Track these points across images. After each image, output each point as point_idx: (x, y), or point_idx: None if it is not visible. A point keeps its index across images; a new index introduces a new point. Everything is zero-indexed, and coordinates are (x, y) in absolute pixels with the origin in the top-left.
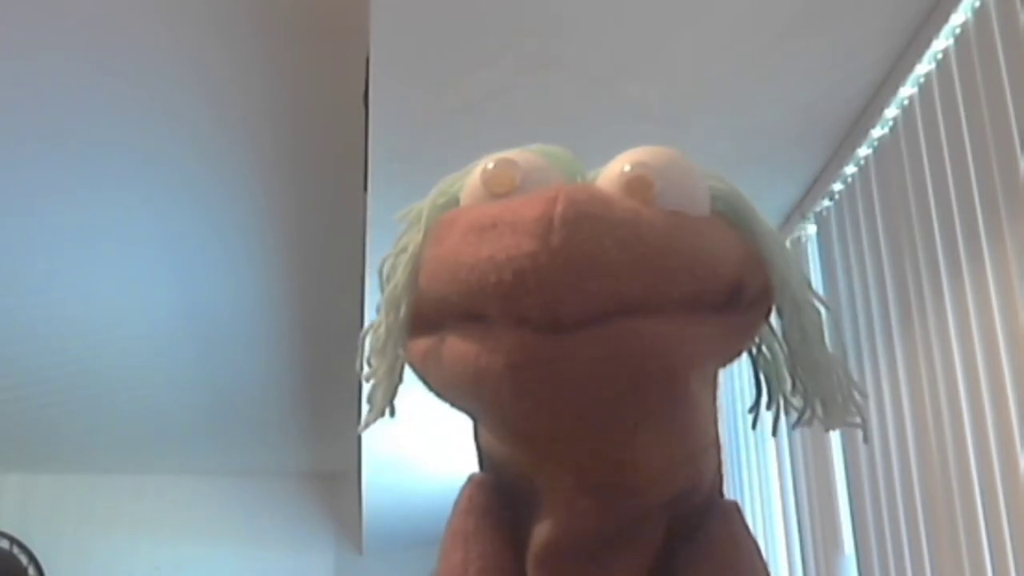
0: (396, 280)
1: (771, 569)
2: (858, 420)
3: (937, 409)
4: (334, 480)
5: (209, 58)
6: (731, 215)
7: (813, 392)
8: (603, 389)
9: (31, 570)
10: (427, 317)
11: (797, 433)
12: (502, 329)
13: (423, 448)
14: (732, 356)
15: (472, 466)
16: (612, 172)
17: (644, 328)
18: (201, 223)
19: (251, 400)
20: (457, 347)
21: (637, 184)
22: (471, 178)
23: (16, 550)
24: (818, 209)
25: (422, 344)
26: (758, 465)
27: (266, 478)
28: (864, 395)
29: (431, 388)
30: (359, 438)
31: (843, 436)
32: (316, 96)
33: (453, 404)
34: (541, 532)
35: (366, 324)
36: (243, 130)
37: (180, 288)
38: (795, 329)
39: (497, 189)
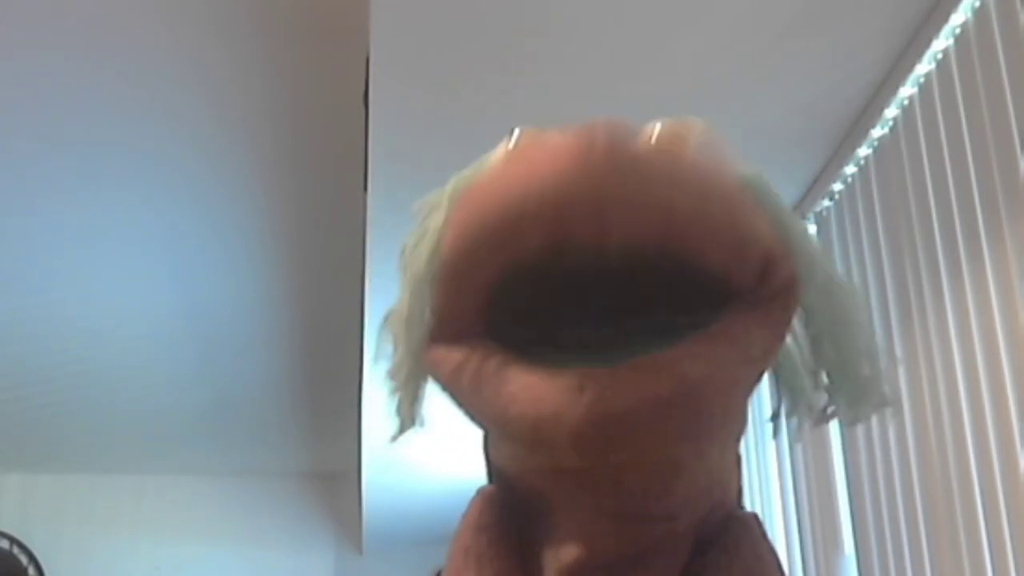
0: (418, 256)
1: None
2: (890, 402)
3: (937, 409)
4: (334, 480)
5: (209, 58)
6: (753, 191)
7: (838, 383)
8: (660, 436)
9: (31, 570)
10: (453, 315)
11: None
12: (562, 378)
13: (423, 448)
14: (776, 353)
15: (472, 468)
16: (643, 132)
17: (710, 368)
18: (201, 223)
19: (251, 400)
20: (507, 389)
21: (672, 135)
22: (494, 154)
23: (16, 550)
24: (818, 209)
25: (452, 357)
26: (758, 465)
27: (266, 478)
28: (894, 385)
29: (460, 407)
30: (359, 438)
31: (843, 436)
32: (316, 96)
33: (481, 427)
34: (562, 553)
35: (367, 324)
36: (243, 130)
37: (180, 288)
38: (822, 315)
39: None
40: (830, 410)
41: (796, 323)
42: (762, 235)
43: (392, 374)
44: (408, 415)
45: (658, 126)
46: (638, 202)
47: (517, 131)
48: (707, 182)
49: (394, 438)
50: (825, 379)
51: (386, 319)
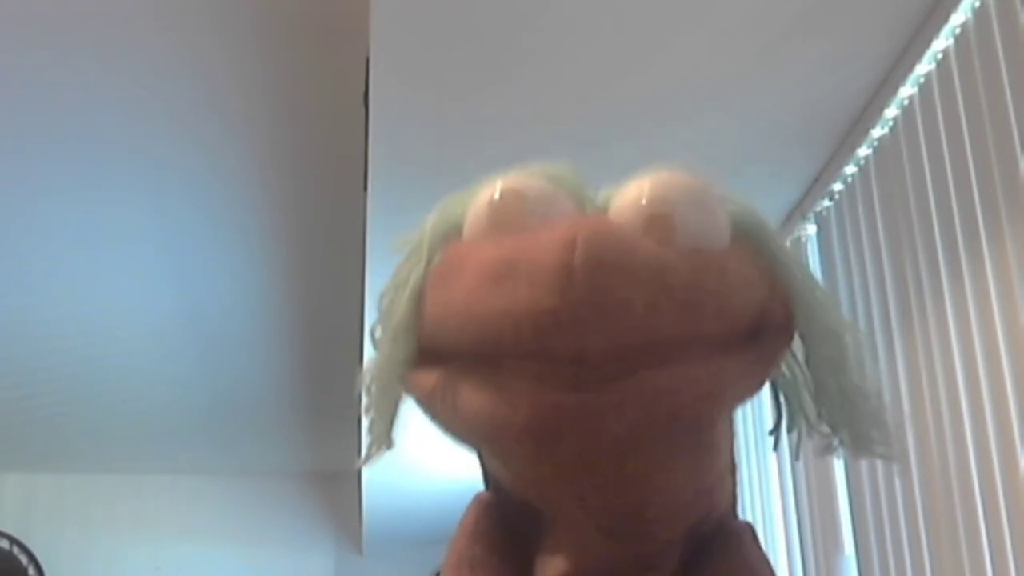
0: (397, 316)
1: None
2: (889, 452)
3: (937, 409)
4: (334, 480)
5: (209, 58)
6: (749, 239)
7: (841, 421)
8: (627, 441)
9: (31, 570)
10: (431, 351)
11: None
12: (520, 382)
13: (423, 448)
14: (756, 389)
15: (472, 468)
16: (628, 202)
17: (670, 380)
18: (201, 223)
19: (251, 400)
20: (471, 397)
21: (657, 224)
22: (475, 208)
23: (16, 550)
24: (818, 209)
25: (428, 379)
26: (758, 465)
27: (266, 478)
28: (898, 427)
29: (437, 424)
30: (359, 438)
31: None
32: (316, 96)
33: (461, 444)
34: (553, 565)
35: (367, 324)
36: (243, 130)
37: (180, 288)
38: (824, 357)
39: (505, 226)
40: (833, 444)
41: (797, 353)
42: (753, 297)
43: (368, 402)
44: (382, 438)
45: (646, 192)
46: (620, 321)
47: (499, 184)
48: (694, 267)
49: (364, 462)
50: (826, 414)
51: (366, 367)
